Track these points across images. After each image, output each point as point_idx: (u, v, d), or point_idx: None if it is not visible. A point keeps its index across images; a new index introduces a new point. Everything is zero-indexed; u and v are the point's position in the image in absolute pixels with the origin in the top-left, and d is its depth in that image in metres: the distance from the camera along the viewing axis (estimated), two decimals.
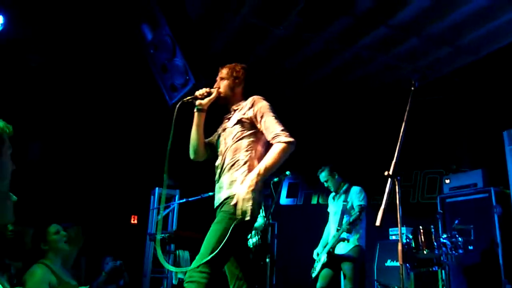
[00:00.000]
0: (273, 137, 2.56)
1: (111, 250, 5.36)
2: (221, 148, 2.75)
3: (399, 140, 2.43)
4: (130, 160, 6.47)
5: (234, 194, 2.44)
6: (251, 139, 2.66)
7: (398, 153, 2.38)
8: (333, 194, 4.93)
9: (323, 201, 7.19)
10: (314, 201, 7.34)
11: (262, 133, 2.66)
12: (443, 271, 4.68)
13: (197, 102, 2.79)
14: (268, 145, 2.64)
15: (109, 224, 6.11)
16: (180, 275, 5.54)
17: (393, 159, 2.39)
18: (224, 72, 2.89)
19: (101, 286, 4.82)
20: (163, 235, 5.09)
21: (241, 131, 2.67)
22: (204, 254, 2.33)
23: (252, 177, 2.42)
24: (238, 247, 2.49)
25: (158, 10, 5.08)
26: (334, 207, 4.82)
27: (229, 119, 2.82)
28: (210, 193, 4.73)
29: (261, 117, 2.64)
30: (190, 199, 5.40)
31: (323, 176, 4.87)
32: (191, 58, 4.92)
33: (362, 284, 4.97)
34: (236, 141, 2.67)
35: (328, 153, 6.81)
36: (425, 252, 4.57)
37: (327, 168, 4.86)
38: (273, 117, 2.62)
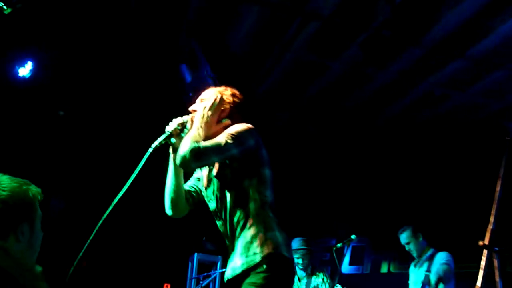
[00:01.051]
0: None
1: None
2: (216, 206, 2.53)
3: (495, 201, 2.34)
4: (166, 221, 6.47)
5: (257, 262, 2.28)
6: (247, 178, 2.43)
7: (494, 217, 2.29)
8: (415, 261, 4.84)
9: (395, 269, 7.06)
10: (384, 269, 7.22)
11: (251, 161, 2.43)
12: None
13: (172, 140, 2.54)
14: (264, 175, 2.46)
15: None
16: None
17: (488, 225, 2.30)
18: (206, 94, 2.67)
19: None
20: None
21: (232, 177, 2.45)
22: None
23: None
24: None
25: (198, 49, 5.32)
26: (415, 277, 4.74)
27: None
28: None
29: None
30: None
31: (404, 237, 4.79)
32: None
33: None
34: (232, 192, 2.44)
35: (402, 211, 6.69)
36: None
37: (410, 228, 4.79)
38: (222, 139, 2.34)
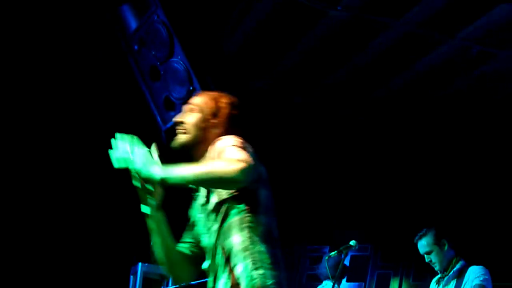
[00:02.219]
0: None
1: None
2: (207, 242, 2.51)
3: None
4: (102, 223, 6.56)
5: None
6: (239, 209, 2.40)
7: None
8: (437, 277, 4.74)
9: (408, 287, 7.01)
10: (394, 287, 7.18)
11: (247, 192, 2.39)
12: None
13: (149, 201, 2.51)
14: (261, 208, 2.45)
15: None
16: None
17: None
18: (197, 100, 2.68)
19: None
20: None
21: (226, 207, 2.42)
22: None
23: (160, 169, 2.29)
24: None
25: None
26: None
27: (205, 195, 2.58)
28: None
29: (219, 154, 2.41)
30: (193, 282, 5.12)
31: (424, 244, 4.63)
32: (196, 58, 4.97)
33: None
34: (220, 222, 2.42)
35: (419, 209, 6.53)
36: None
37: (432, 232, 4.63)
38: (235, 147, 2.37)
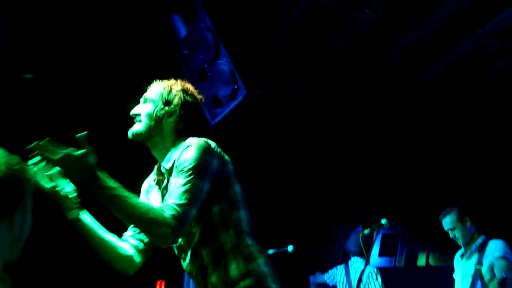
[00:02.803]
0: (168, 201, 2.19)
1: None
2: (179, 244, 2.41)
3: None
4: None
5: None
6: (215, 205, 2.33)
7: None
8: (461, 251, 4.75)
9: (435, 261, 6.98)
10: (421, 262, 7.11)
11: (218, 184, 2.32)
12: None
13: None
14: (233, 196, 2.38)
15: None
16: None
17: None
18: (150, 91, 2.48)
19: None
20: None
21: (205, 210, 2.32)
22: None
23: (109, 182, 2.09)
24: None
25: None
26: (462, 270, 4.67)
27: (165, 188, 2.40)
28: (271, 250, 4.95)
29: (179, 171, 2.24)
30: None
31: (448, 222, 4.64)
32: (241, 60, 4.92)
33: None
34: (199, 225, 2.33)
35: (444, 191, 6.52)
36: None
37: (456, 210, 4.64)
38: (188, 183, 2.19)
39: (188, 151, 2.26)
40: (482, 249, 4.50)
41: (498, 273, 4.21)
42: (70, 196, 2.21)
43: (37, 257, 5.88)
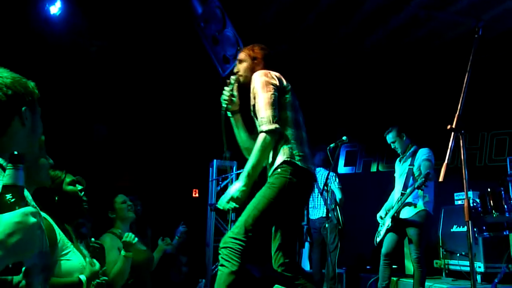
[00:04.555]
0: (258, 126, 2.43)
1: (175, 222, 5.52)
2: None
3: (463, 91, 2.25)
4: (188, 135, 6.54)
5: (278, 166, 2.41)
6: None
7: (461, 105, 2.21)
8: (399, 158, 4.74)
9: (383, 168, 7.03)
10: (373, 168, 7.16)
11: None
12: None
13: (229, 107, 2.66)
14: (292, 106, 2.57)
15: (173, 199, 6.26)
16: None
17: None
18: (242, 54, 2.74)
19: (175, 250, 5.05)
20: None
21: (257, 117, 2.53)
22: (241, 221, 2.31)
23: (242, 178, 2.32)
24: (278, 219, 2.44)
25: None
26: (400, 170, 4.64)
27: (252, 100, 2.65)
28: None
29: (254, 98, 2.50)
30: None
31: (390, 137, 4.66)
32: (241, 28, 4.97)
33: (428, 250, 4.77)
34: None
35: (388, 119, 6.37)
36: (494, 215, 4.30)
37: (395, 128, 4.66)
38: (264, 97, 2.42)
39: (255, 79, 2.52)
40: (414, 154, 4.48)
41: (424, 170, 4.21)
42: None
43: (110, 172, 5.97)
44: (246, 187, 2.30)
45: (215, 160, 6.17)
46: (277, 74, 2.59)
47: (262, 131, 2.36)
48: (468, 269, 4.72)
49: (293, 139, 2.47)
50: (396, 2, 5.42)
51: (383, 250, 4.36)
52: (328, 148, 4.80)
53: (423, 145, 4.58)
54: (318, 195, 5.64)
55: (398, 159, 4.76)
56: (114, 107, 6.28)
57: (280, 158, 2.40)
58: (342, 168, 7.33)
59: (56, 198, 2.26)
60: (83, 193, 2.44)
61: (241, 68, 2.70)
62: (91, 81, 5.89)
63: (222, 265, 2.27)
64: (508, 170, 5.22)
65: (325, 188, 5.18)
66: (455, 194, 5.52)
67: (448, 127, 2.19)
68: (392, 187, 4.70)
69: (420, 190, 4.24)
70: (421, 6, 5.41)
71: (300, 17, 5.88)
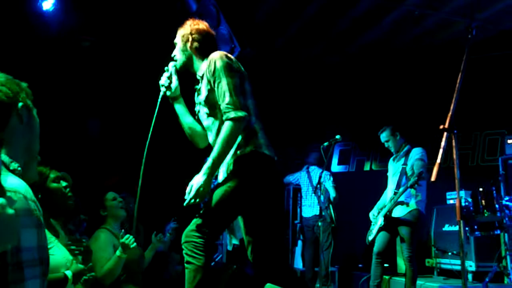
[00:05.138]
0: (224, 111, 2.22)
1: (168, 219, 5.50)
2: (206, 124, 2.46)
3: (456, 91, 2.27)
4: (181, 132, 6.48)
5: (243, 156, 2.28)
6: None
7: (454, 105, 2.23)
8: (393, 157, 4.75)
9: (376, 167, 7.04)
10: (367, 167, 7.18)
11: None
12: (505, 234, 4.50)
13: (167, 93, 2.54)
14: (251, 94, 2.40)
15: (166, 195, 6.18)
16: (234, 241, 5.65)
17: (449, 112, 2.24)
18: (177, 37, 2.50)
19: (167, 248, 5.03)
20: None
21: (212, 103, 2.34)
22: (201, 215, 2.24)
23: (205, 169, 2.17)
24: (239, 212, 2.34)
25: None
26: (393, 169, 4.65)
27: (199, 89, 2.46)
28: None
29: (215, 82, 2.26)
30: None
31: (384, 136, 4.68)
32: (235, 26, 4.92)
33: (419, 249, 4.76)
34: (214, 115, 2.36)
35: (382, 118, 6.40)
36: (485, 215, 4.34)
37: (389, 128, 4.67)
38: (228, 82, 2.22)
39: (214, 62, 2.29)
40: (407, 154, 4.49)
41: (416, 170, 4.21)
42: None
43: (101, 172, 5.88)
44: (209, 178, 2.15)
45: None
46: (233, 57, 2.40)
47: (229, 118, 2.18)
48: (459, 268, 4.77)
49: (257, 128, 2.35)
50: (390, 1, 5.45)
51: (375, 248, 4.39)
52: (321, 146, 4.85)
53: (416, 144, 4.59)
54: (312, 193, 5.67)
55: (391, 158, 4.77)
56: (106, 103, 6.23)
57: (244, 148, 2.27)
58: (335, 167, 7.35)
59: (40, 195, 2.24)
60: (68, 189, 2.43)
61: (176, 53, 2.51)
62: (84, 76, 5.83)
63: (187, 262, 2.18)
64: (500, 170, 5.26)
65: (319, 186, 5.21)
66: (447, 193, 5.56)
67: (441, 127, 2.20)
68: (385, 186, 4.71)
69: (412, 189, 4.25)
70: (415, 5, 5.42)
71: (293, 16, 5.87)
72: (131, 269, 3.11)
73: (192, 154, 6.26)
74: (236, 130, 2.19)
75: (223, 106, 2.23)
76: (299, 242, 6.34)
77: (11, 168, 1.28)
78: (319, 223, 5.18)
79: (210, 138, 2.45)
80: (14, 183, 1.21)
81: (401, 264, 5.16)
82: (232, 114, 2.19)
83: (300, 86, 7.38)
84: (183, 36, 2.45)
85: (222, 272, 4.79)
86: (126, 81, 6.15)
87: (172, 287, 5.15)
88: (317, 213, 5.53)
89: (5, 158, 1.27)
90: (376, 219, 4.51)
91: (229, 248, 5.64)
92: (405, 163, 4.49)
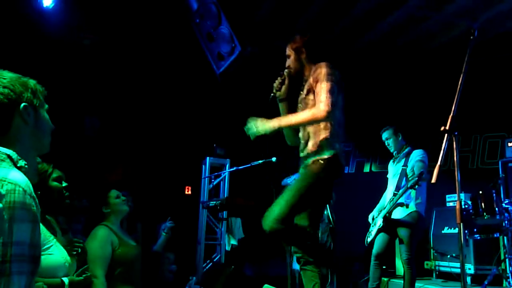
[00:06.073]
0: (316, 103, 2.70)
1: (166, 219, 5.49)
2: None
3: (457, 92, 2.26)
4: (181, 131, 6.51)
5: (318, 158, 2.71)
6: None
7: (455, 106, 2.22)
8: (393, 158, 4.73)
9: (376, 168, 7.05)
10: (366, 169, 7.19)
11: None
12: (505, 237, 4.48)
13: (277, 94, 2.97)
14: (340, 107, 2.82)
15: (165, 195, 6.25)
16: (232, 241, 5.65)
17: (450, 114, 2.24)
18: (287, 50, 3.00)
19: (162, 248, 5.01)
20: (215, 202, 5.19)
21: (313, 99, 2.79)
22: (281, 205, 2.65)
23: (277, 121, 2.72)
24: (312, 203, 2.76)
25: None
26: (393, 170, 4.63)
27: (303, 90, 2.95)
28: (260, 161, 4.98)
29: (316, 82, 2.74)
30: (240, 167, 5.42)
31: (386, 134, 4.66)
32: (236, 25, 4.91)
33: (418, 251, 4.75)
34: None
35: (382, 120, 6.51)
36: (485, 217, 4.34)
37: (393, 127, 4.65)
38: (327, 85, 2.68)
39: (320, 68, 2.78)
40: (408, 155, 4.48)
41: (417, 171, 4.21)
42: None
43: (102, 167, 5.91)
44: (274, 128, 2.70)
45: (207, 158, 6.13)
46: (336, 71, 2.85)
47: (315, 107, 2.66)
48: (458, 270, 4.77)
49: (339, 139, 2.81)
50: (392, 1, 5.43)
51: (374, 250, 4.37)
52: None
53: (417, 146, 4.58)
54: None
55: (391, 160, 4.76)
56: (107, 101, 6.23)
57: (321, 148, 2.72)
58: None
59: (39, 193, 2.22)
60: (65, 190, 2.42)
61: (289, 62, 2.98)
62: (84, 74, 5.84)
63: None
64: (500, 173, 5.25)
65: None
66: (446, 196, 5.56)
67: (442, 128, 2.20)
68: (384, 188, 4.70)
69: (412, 191, 4.24)
70: (417, 6, 5.43)
71: (294, 15, 5.86)
72: (128, 268, 3.10)
73: (194, 158, 6.40)
74: (315, 118, 2.67)
75: (317, 99, 2.70)
76: None
77: (18, 165, 1.30)
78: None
79: (301, 134, 2.92)
80: (17, 177, 1.23)
81: (400, 266, 5.08)
82: (322, 106, 2.64)
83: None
84: (296, 48, 2.95)
85: (220, 272, 4.77)
86: (126, 78, 6.16)
87: (166, 287, 5.14)
88: None
89: (13, 154, 1.30)
90: (375, 220, 4.50)
91: (228, 248, 5.64)
92: (405, 165, 4.48)
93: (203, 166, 6.18)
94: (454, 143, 2.19)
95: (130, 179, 6.10)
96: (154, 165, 6.48)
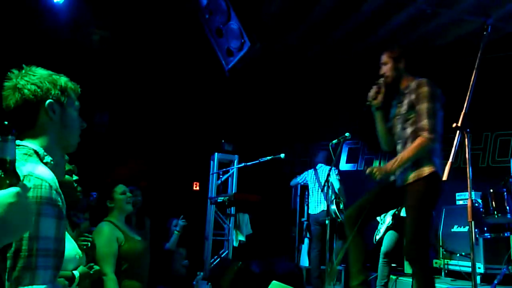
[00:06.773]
0: (419, 128, 2.76)
1: (174, 214, 5.52)
2: (400, 134, 2.97)
3: (470, 89, 2.23)
4: (190, 127, 6.53)
5: (421, 175, 2.74)
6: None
7: (468, 103, 2.19)
8: None
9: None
10: (375, 165, 6.93)
11: None
12: None
13: (372, 103, 3.05)
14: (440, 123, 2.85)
15: (173, 191, 6.28)
16: (240, 237, 5.65)
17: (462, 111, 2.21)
18: (384, 58, 3.08)
19: (174, 245, 5.05)
20: (223, 198, 5.20)
21: (414, 116, 2.84)
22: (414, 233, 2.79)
23: (391, 163, 2.77)
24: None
25: None
26: None
27: (401, 102, 2.98)
28: (268, 157, 5.00)
29: (419, 101, 2.80)
30: (248, 163, 5.42)
31: None
32: (245, 21, 4.91)
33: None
34: (413, 126, 2.84)
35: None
36: (496, 216, 4.29)
37: None
38: (431, 107, 2.74)
39: (423, 86, 2.85)
40: None
41: None
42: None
43: (111, 162, 5.90)
44: (395, 170, 2.79)
45: (216, 154, 6.13)
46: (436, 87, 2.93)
47: (423, 136, 2.72)
48: (467, 269, 4.71)
49: (438, 154, 2.83)
50: None
51: (383, 248, 4.35)
52: (330, 144, 4.81)
53: None
54: (319, 190, 5.62)
55: None
56: (117, 97, 6.25)
57: (428, 169, 2.75)
58: (344, 165, 7.31)
59: None
60: (76, 184, 2.43)
61: (386, 69, 3.04)
62: (93, 70, 5.80)
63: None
64: (511, 171, 5.19)
65: (327, 184, 5.14)
66: (456, 194, 5.46)
67: (454, 125, 2.17)
68: None
69: None
70: (427, 4, 5.36)
71: (304, 12, 5.85)
72: (135, 263, 3.09)
73: (202, 154, 6.42)
74: (424, 148, 2.73)
75: (420, 124, 2.76)
76: (306, 240, 6.32)
77: (44, 161, 1.31)
78: (327, 221, 5.15)
79: (399, 146, 2.98)
80: (43, 172, 1.24)
81: (409, 265, 5.10)
82: (426, 134, 2.72)
83: (310, 82, 7.35)
84: (395, 57, 3.03)
85: (228, 268, 4.78)
86: (135, 74, 6.17)
87: (179, 283, 5.16)
88: (325, 208, 5.50)
89: (40, 150, 1.33)
90: (384, 218, 4.47)
91: (235, 244, 5.65)
92: None
93: (211, 162, 6.18)
94: (466, 140, 2.16)
95: (139, 174, 6.13)
96: (162, 160, 6.51)
